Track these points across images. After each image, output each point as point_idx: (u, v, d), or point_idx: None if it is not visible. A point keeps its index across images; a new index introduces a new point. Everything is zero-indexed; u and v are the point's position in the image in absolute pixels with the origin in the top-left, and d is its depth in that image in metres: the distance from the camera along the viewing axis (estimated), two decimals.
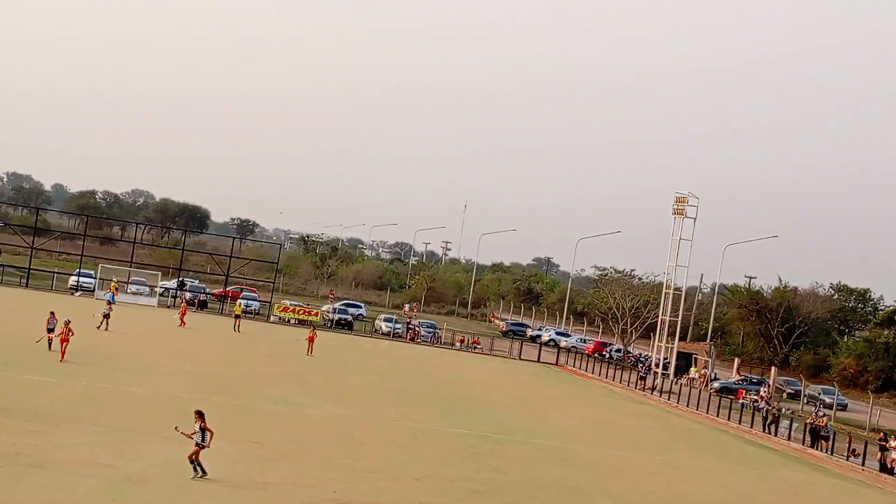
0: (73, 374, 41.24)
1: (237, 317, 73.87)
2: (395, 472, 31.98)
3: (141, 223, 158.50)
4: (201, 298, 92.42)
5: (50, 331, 45.47)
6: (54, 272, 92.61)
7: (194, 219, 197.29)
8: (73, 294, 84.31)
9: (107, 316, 59.50)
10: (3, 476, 24.61)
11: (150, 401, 38.56)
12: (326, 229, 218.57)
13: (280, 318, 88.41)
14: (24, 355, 43.66)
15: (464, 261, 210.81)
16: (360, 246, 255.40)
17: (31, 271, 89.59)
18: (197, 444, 26.54)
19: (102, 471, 26.64)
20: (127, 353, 52.22)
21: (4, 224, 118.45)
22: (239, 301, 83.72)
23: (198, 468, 26.56)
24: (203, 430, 26.43)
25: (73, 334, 44.30)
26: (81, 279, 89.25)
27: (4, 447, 27.49)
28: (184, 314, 71.91)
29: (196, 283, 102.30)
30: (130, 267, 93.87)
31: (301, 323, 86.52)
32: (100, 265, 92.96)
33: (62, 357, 43.53)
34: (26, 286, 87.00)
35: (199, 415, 26.61)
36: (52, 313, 46.17)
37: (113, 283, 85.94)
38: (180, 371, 48.06)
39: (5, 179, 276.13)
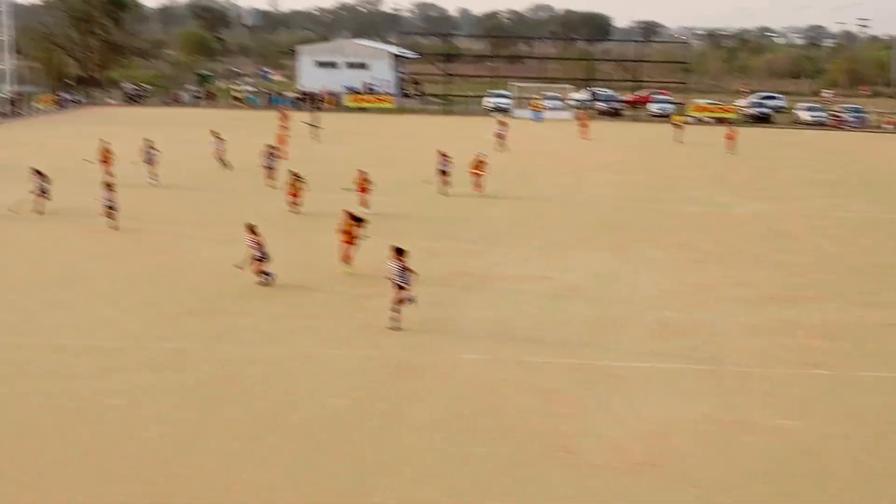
0: (498, 195, 42.61)
1: (676, 126, 71.90)
2: (831, 265, 31.01)
3: (546, 38, 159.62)
4: (613, 107, 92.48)
5: (442, 172, 41.70)
6: (470, 96, 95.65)
7: (597, 27, 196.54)
8: (490, 115, 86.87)
9: (500, 136, 60.04)
10: (450, 294, 26.09)
11: (578, 212, 39.37)
12: (732, 21, 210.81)
13: (696, 119, 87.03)
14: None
15: (886, 37, 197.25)
16: (770, 34, 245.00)
17: (447, 98, 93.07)
18: (397, 287, 22.63)
19: (541, 284, 27.64)
20: (548, 169, 53.41)
21: (419, 54, 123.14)
22: (679, 113, 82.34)
23: (398, 321, 22.87)
24: (403, 269, 22.50)
25: (487, 167, 42.61)
26: (496, 100, 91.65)
27: (449, 268, 29.09)
28: (585, 126, 71.70)
29: (607, 91, 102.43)
30: (541, 83, 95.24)
31: (719, 122, 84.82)
32: (512, 84, 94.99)
33: (480, 190, 42.04)
34: (446, 113, 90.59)
35: (396, 251, 22.58)
36: (442, 153, 42.04)
37: (534, 102, 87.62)
38: (603, 181, 48.62)
39: (414, 11, 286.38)
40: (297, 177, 36.06)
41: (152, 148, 42.58)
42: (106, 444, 16.22)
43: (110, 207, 32.80)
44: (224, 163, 47.99)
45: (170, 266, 28.43)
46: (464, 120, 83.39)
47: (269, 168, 41.40)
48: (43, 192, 35.19)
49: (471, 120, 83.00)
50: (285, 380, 19.46)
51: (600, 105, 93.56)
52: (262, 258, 25.94)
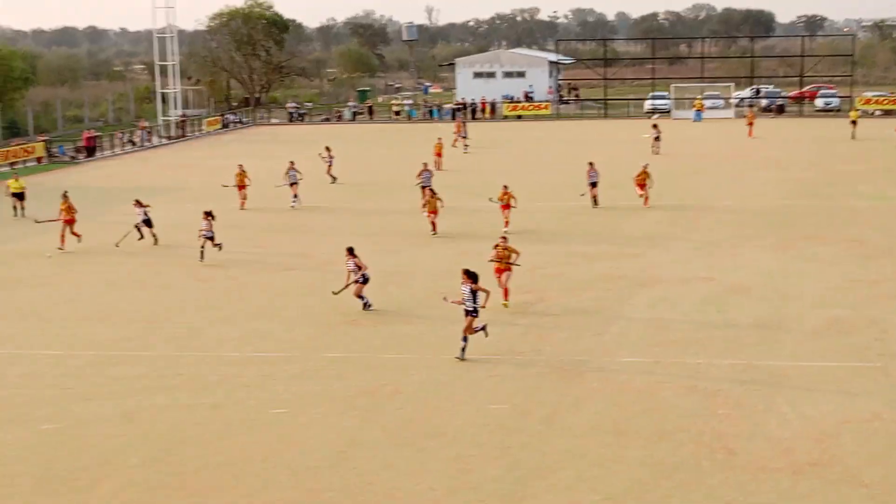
0: (656, 198, 41.87)
1: (853, 122, 68.41)
2: None
3: (706, 37, 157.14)
4: (778, 104, 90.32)
5: (592, 185, 39.84)
6: (629, 99, 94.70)
7: (759, 23, 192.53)
8: (649, 118, 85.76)
9: (656, 139, 58.02)
10: (609, 298, 25.84)
11: (741, 212, 38.53)
12: None
13: (863, 112, 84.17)
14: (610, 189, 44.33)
15: None
16: None
17: (607, 102, 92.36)
18: (467, 313, 21.38)
19: (703, 285, 27.10)
20: (709, 169, 52.42)
21: (577, 60, 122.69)
22: (855, 107, 79.10)
23: (464, 345, 21.41)
24: (473, 291, 21.28)
25: (650, 182, 39.89)
26: (656, 102, 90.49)
27: (606, 271, 28.82)
28: (751, 124, 69.78)
29: (770, 88, 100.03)
30: (702, 83, 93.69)
31: (887, 114, 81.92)
32: (672, 85, 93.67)
33: (646, 203, 39.67)
34: (605, 117, 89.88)
35: (467, 274, 21.40)
36: (591, 164, 40.16)
37: (697, 101, 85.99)
38: (767, 179, 47.46)
39: (570, 16, 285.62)
40: (433, 193, 35.45)
41: (295, 170, 42.35)
42: (269, 451, 16.54)
43: (209, 238, 31.64)
44: (332, 178, 48.40)
45: (329, 279, 28.87)
46: (623, 123, 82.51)
47: (424, 187, 39.39)
48: (146, 224, 34.55)
49: (630, 123, 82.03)
50: (446, 386, 19.53)
51: (764, 102, 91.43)
52: (362, 281, 25.27)
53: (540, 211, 38.51)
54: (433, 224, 35.25)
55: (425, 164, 42.05)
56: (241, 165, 42.76)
